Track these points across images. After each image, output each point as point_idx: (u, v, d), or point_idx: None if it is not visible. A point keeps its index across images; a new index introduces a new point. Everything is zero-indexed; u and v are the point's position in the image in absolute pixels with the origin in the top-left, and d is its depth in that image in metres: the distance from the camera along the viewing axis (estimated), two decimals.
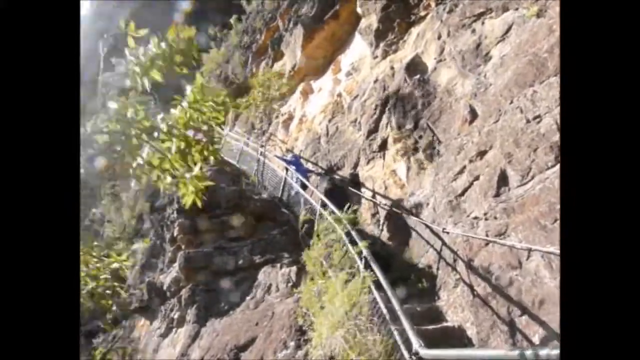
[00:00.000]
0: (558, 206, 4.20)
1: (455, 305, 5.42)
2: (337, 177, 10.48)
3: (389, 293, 3.95)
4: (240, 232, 8.49)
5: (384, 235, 8.07)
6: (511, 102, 5.42)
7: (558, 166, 4.41)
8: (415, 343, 3.16)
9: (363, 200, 9.18)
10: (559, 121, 4.63)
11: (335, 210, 6.56)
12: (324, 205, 9.23)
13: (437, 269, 6.06)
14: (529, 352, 2.06)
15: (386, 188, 8.62)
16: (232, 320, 6.79)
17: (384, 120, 9.08)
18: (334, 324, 4.04)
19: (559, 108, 4.69)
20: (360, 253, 4.94)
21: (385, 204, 8.29)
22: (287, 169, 10.31)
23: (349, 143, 10.57)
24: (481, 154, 5.60)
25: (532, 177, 4.66)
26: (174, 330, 8.12)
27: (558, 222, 4.15)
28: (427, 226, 6.55)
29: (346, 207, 6.59)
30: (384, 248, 7.93)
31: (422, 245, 6.80)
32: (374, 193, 8.91)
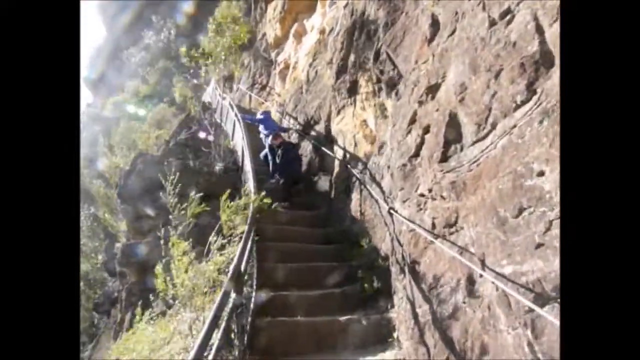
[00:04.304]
0: (528, 182, 2.16)
1: (404, 321, 3.60)
2: (313, 133, 8.57)
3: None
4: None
5: (354, 210, 6.21)
6: None
7: (532, 103, 2.31)
8: None
9: (336, 162, 7.27)
10: (539, 17, 2.44)
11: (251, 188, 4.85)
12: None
13: (390, 264, 4.20)
14: None
15: (356, 145, 6.63)
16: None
17: (352, 56, 6.90)
18: None
19: None
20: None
21: (352, 167, 6.36)
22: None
23: (324, 90, 8.50)
24: (432, 89, 3.49)
25: (493, 126, 2.57)
26: (119, 334, 7.07)
27: (526, 211, 2.13)
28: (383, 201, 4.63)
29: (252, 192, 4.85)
30: (353, 226, 6.12)
31: (383, 225, 4.93)
32: (345, 152, 6.96)
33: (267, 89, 15.78)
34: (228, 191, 4.37)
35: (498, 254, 2.23)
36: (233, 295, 3.09)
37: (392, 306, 4.08)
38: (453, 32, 3.37)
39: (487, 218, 2.40)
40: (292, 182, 7.50)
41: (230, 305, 3.03)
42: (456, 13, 3.38)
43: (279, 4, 14.67)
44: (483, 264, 2.39)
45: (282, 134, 8.71)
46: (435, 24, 4.11)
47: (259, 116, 9.36)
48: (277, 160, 7.49)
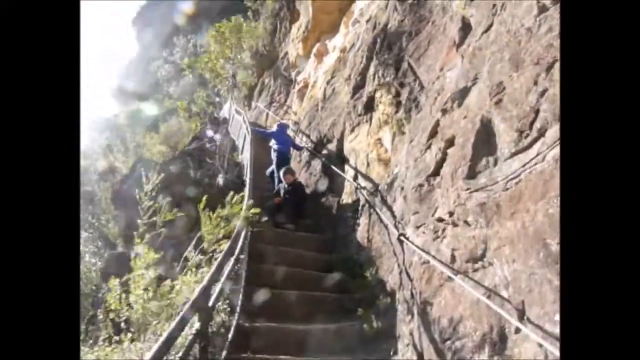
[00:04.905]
0: None
1: None
2: (325, 151, 8.03)
3: None
4: (175, 230, 6.48)
5: (361, 236, 5.56)
6: None
7: None
8: None
9: (346, 184, 6.68)
10: None
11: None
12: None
13: (397, 301, 3.53)
14: None
15: (369, 165, 6.04)
16: None
17: (372, 69, 6.42)
18: None
19: None
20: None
21: (362, 188, 5.76)
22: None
23: (340, 107, 8.01)
24: (459, 95, 2.92)
25: (541, 132, 1.98)
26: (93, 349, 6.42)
27: None
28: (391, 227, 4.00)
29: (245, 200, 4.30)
30: (360, 253, 5.46)
31: (391, 254, 4.27)
32: (356, 172, 6.38)
33: (285, 107, 15.49)
34: (204, 198, 3.80)
35: (547, 304, 1.58)
36: (196, 323, 2.49)
37: (396, 352, 3.38)
38: (489, 27, 2.82)
39: (529, 252, 1.77)
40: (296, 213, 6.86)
41: (190, 336, 2.42)
42: (493, 6, 2.84)
43: (303, 24, 14.56)
44: (522, 315, 1.74)
45: (294, 170, 8.17)
46: (466, 27, 3.58)
47: (273, 129, 8.91)
48: (282, 193, 6.87)
